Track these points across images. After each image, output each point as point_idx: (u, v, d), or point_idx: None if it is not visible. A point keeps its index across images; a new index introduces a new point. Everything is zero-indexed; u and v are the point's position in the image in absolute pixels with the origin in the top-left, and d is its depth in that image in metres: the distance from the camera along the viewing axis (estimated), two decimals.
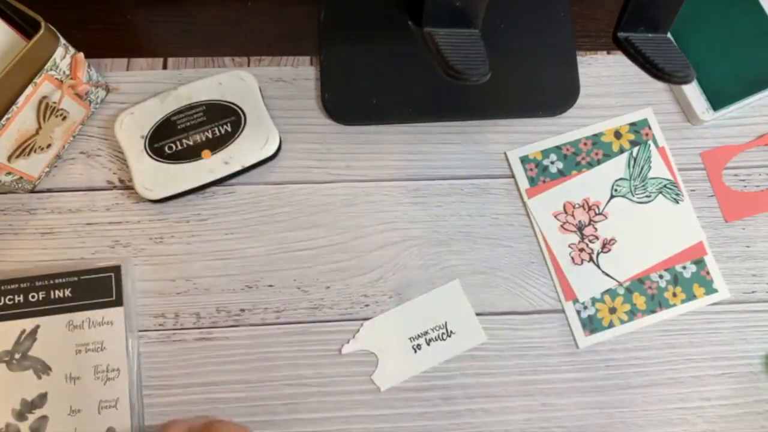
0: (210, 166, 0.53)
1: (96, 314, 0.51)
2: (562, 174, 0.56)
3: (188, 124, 0.54)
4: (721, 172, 0.56)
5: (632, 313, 0.54)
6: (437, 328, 0.53)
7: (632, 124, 0.57)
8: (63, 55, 0.49)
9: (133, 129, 0.54)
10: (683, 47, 0.58)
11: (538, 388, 0.53)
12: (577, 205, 0.56)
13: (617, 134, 0.57)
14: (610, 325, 0.54)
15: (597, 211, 0.56)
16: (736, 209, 0.56)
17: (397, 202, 0.56)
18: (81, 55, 0.51)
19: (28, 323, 0.51)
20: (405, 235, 0.55)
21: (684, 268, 0.55)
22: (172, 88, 0.55)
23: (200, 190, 0.54)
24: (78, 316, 0.51)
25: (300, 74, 0.58)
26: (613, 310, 0.54)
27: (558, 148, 0.57)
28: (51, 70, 0.48)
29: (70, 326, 0.51)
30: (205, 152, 0.53)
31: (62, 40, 0.48)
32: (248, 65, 0.58)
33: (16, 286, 0.51)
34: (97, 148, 0.55)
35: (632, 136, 0.57)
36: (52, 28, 0.47)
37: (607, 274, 0.54)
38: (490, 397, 0.52)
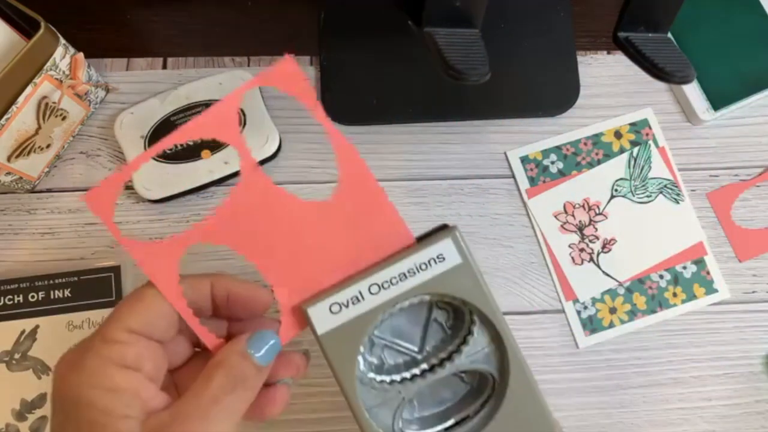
0: (210, 166, 0.53)
1: (96, 314, 0.51)
2: (562, 174, 0.56)
3: None
4: (730, 212, 0.56)
5: (632, 313, 0.54)
6: None
7: (632, 124, 0.57)
8: (63, 55, 0.49)
9: (132, 129, 0.54)
10: (683, 47, 0.58)
11: None
12: (577, 205, 0.56)
13: (617, 134, 0.57)
14: (611, 325, 0.54)
15: (597, 211, 0.56)
16: (750, 248, 0.55)
17: (397, 202, 0.55)
18: (81, 55, 0.50)
19: (27, 323, 0.51)
20: None
21: (684, 268, 0.55)
22: (172, 88, 0.55)
23: (200, 190, 0.54)
24: (78, 317, 0.51)
25: None
26: (613, 310, 0.54)
27: (558, 148, 0.57)
28: (51, 70, 0.48)
29: (70, 326, 0.51)
30: (205, 152, 0.53)
31: (62, 40, 0.48)
32: (248, 65, 0.58)
33: (16, 286, 0.51)
34: (97, 148, 0.55)
35: (632, 136, 0.57)
36: (52, 28, 0.47)
37: (608, 274, 0.54)
38: None
